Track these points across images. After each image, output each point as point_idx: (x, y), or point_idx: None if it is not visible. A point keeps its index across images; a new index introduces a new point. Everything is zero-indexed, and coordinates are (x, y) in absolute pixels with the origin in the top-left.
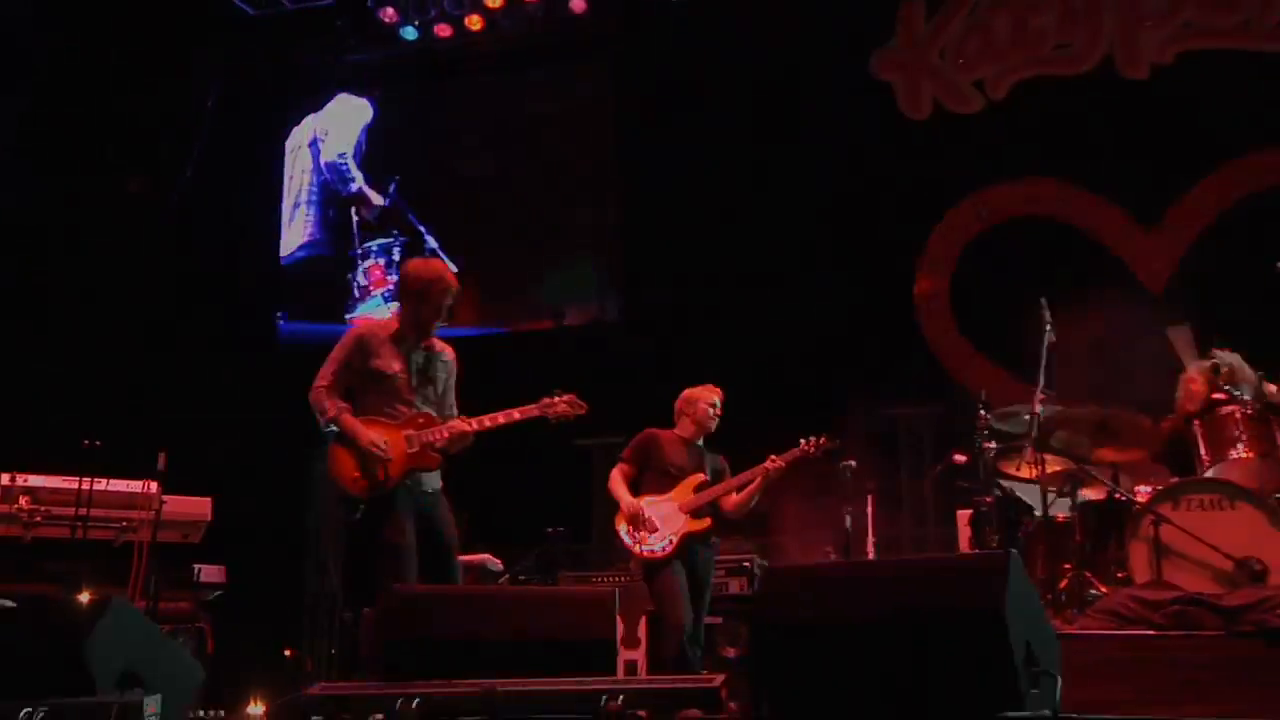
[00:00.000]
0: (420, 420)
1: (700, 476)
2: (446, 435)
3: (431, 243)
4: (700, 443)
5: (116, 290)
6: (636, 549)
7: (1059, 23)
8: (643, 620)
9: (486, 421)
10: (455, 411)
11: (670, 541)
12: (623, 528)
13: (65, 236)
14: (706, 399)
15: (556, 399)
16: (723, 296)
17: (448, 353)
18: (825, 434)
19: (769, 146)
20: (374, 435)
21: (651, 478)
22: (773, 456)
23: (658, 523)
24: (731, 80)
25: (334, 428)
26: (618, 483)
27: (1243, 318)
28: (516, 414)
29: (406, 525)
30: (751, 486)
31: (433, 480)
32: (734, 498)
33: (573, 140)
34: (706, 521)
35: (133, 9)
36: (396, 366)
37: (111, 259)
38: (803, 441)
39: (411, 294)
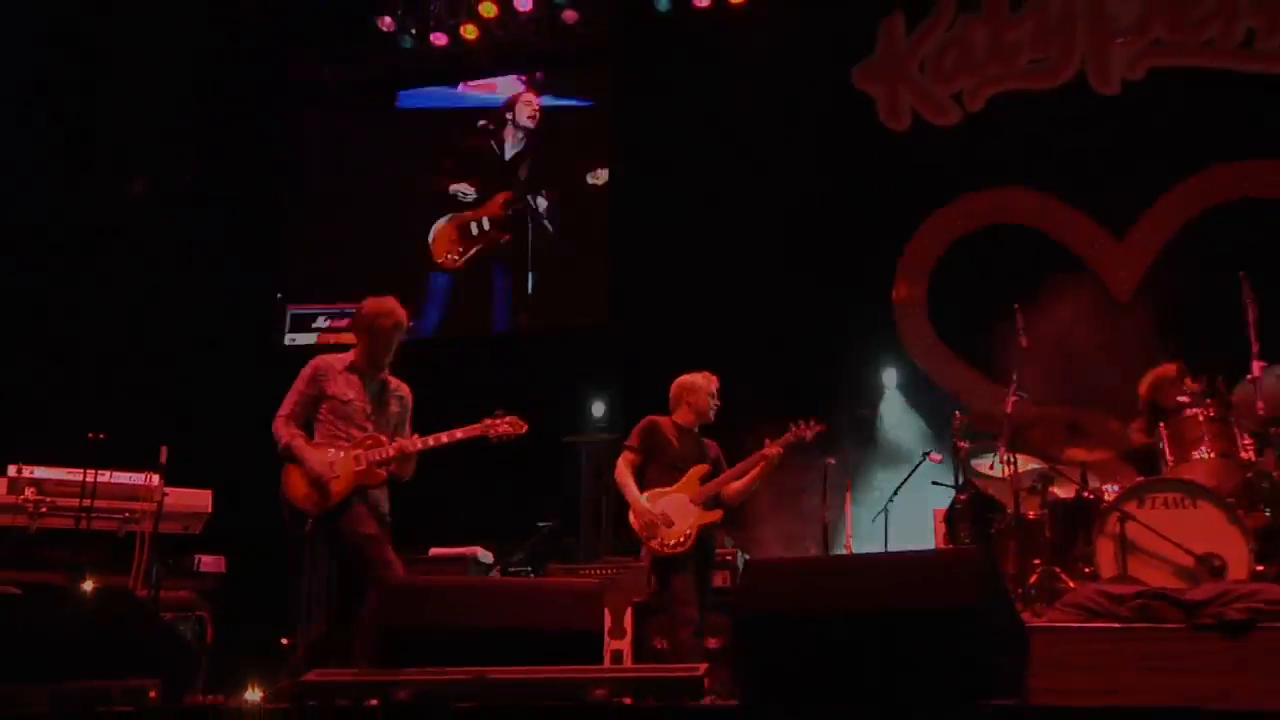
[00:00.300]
0: (370, 442)
1: (704, 467)
2: (393, 452)
3: None
4: (697, 430)
5: (120, 288)
6: (658, 545)
7: (1033, 39)
8: (629, 611)
9: (430, 440)
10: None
11: (688, 536)
12: (643, 524)
13: (70, 236)
14: (706, 388)
15: (499, 420)
16: (707, 299)
17: (403, 389)
18: (813, 417)
19: (754, 154)
20: (323, 457)
21: (657, 469)
22: (769, 442)
23: (673, 517)
24: (718, 90)
25: (289, 454)
26: (628, 479)
27: (1207, 325)
28: (460, 433)
29: (366, 518)
30: (753, 473)
31: (383, 500)
32: (735, 485)
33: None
34: (719, 513)
35: (133, 14)
36: (351, 394)
37: (115, 258)
38: (793, 426)
39: (364, 329)
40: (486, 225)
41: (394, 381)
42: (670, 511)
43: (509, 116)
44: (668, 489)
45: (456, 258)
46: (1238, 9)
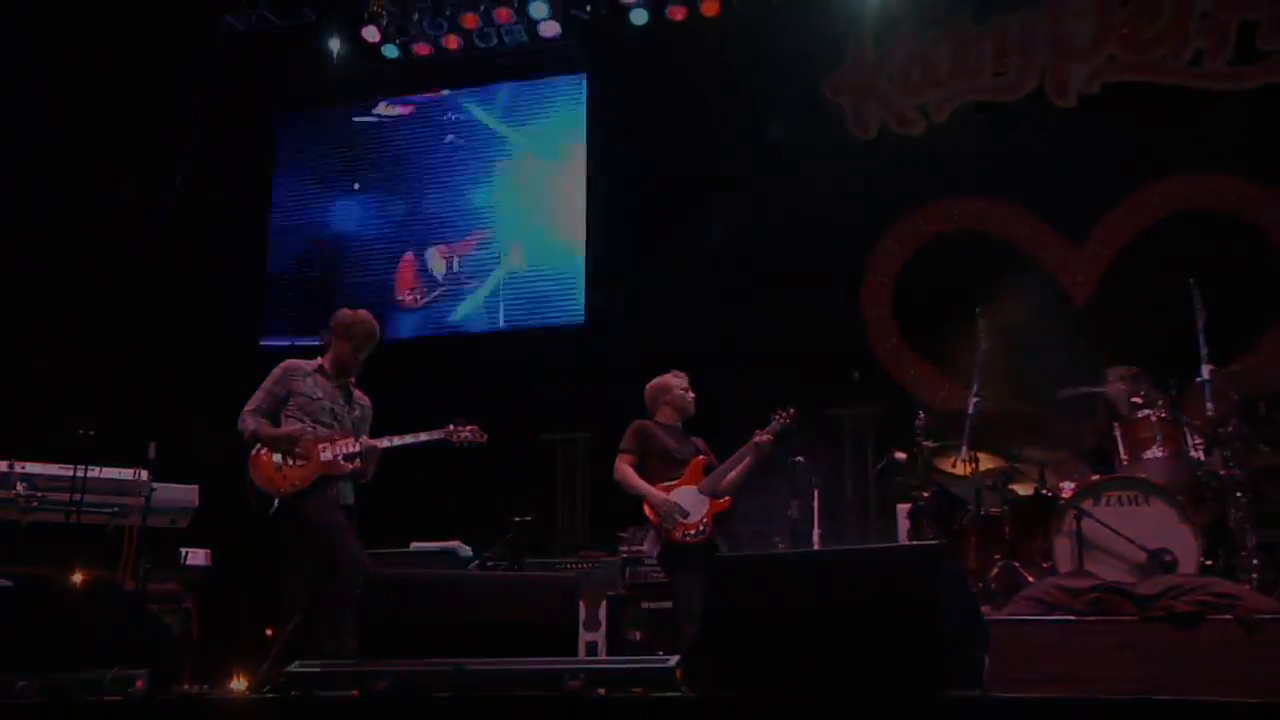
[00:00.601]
0: (336, 437)
1: (703, 459)
2: (360, 447)
3: None
4: (682, 426)
5: (110, 288)
6: (679, 535)
7: (995, 54)
8: (604, 604)
9: (395, 440)
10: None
11: (705, 524)
12: (661, 515)
13: (62, 239)
14: (678, 384)
15: (462, 428)
16: (679, 302)
17: (365, 400)
18: (793, 407)
19: (726, 160)
20: (292, 431)
21: (654, 468)
22: (758, 432)
23: (686, 508)
24: (693, 97)
25: (255, 441)
26: (634, 476)
27: (1159, 329)
28: (423, 436)
29: (331, 507)
30: (747, 462)
31: (348, 494)
32: (732, 474)
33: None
34: (728, 500)
35: (122, 23)
36: (319, 394)
37: (106, 260)
38: (776, 416)
39: (339, 335)
40: (456, 265)
41: (358, 392)
42: (683, 502)
43: None
44: (672, 483)
45: (419, 299)
46: (1187, 31)
